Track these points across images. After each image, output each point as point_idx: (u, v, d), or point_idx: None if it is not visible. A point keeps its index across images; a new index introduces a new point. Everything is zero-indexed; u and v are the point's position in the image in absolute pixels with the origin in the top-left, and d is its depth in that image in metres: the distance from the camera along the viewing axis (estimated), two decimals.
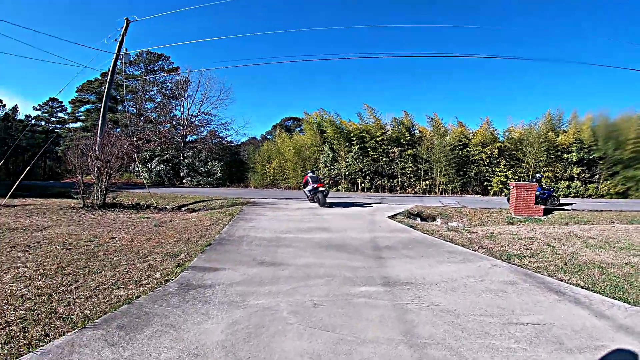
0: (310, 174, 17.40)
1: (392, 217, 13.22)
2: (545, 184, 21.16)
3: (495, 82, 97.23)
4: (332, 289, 5.45)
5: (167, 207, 16.78)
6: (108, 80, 18.59)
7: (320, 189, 16.19)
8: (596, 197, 27.25)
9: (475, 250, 8.30)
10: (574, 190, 27.13)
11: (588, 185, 27.91)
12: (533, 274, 6.51)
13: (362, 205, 16.75)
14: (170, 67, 49.26)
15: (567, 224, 14.31)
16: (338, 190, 28.16)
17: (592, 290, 5.69)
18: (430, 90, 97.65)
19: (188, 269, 6.35)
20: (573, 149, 27.76)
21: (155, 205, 16.80)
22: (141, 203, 17.24)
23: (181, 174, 34.37)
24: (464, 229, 11.77)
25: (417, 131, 30.42)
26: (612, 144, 27.64)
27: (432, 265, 6.88)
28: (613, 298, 5.38)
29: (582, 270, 6.86)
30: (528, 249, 8.71)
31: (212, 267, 6.53)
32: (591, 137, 28.12)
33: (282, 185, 31.14)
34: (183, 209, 16.33)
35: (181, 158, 35.20)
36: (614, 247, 9.08)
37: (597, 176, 28.13)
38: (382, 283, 5.75)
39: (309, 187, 16.80)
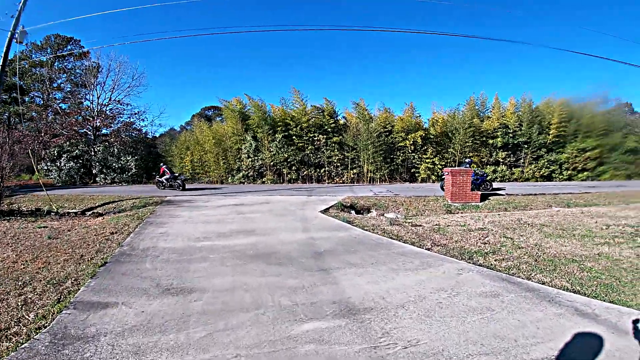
0: (165, 167, 21.33)
1: (325, 211, 11.85)
2: (475, 169, 20.78)
3: (420, 65, 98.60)
4: (265, 332, 3.78)
5: (71, 211, 14.50)
6: (1, 63, 15.79)
7: (181, 176, 20.69)
8: (522, 181, 27.97)
9: (429, 249, 7.10)
10: (500, 175, 27.57)
11: (513, 169, 28.55)
12: (511, 278, 5.43)
13: (290, 198, 15.22)
14: (81, 51, 44.90)
15: (505, 209, 13.78)
16: (263, 182, 26.41)
17: (585, 295, 4.85)
18: (356, 74, 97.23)
19: (70, 305, 4.42)
20: (498, 134, 28.25)
21: (56, 210, 14.50)
22: (43, 208, 14.88)
23: (93, 172, 29.96)
24: (405, 221, 10.69)
25: (343, 117, 29.29)
26: (536, 128, 28.35)
27: (388, 276, 5.48)
28: (613, 302, 4.58)
29: (559, 267, 6.07)
30: (485, 242, 7.76)
31: (101, 301, 4.60)
32: (515, 122, 28.74)
33: (203, 179, 28.41)
34: (88, 213, 13.88)
35: (92, 153, 31.20)
36: (575, 235, 8.49)
37: (522, 160, 28.75)
38: (333, 313, 4.21)
39: (166, 176, 20.47)
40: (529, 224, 9.89)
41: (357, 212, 13.17)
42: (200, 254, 6.84)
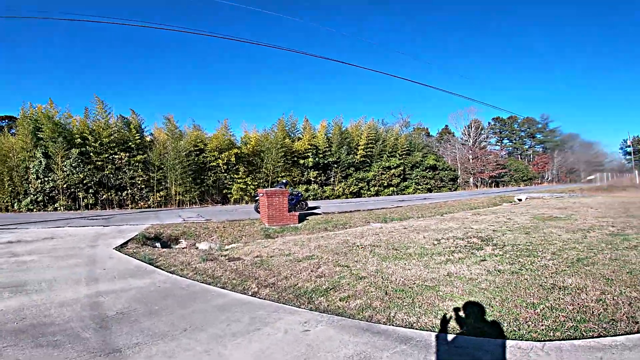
0: None
1: (123, 246, 9.54)
2: (290, 189, 20.17)
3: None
4: None
5: None
6: None
7: None
8: (333, 198, 29.00)
9: (257, 295, 5.68)
10: (312, 193, 28.19)
11: (325, 188, 29.48)
12: (372, 327, 4.34)
13: (81, 230, 12.29)
14: None
15: (326, 229, 13.30)
16: (55, 209, 21.59)
17: (476, 335, 4.04)
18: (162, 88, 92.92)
19: None
20: (309, 154, 29.09)
21: None
22: None
23: None
24: (221, 254, 9.19)
25: (150, 134, 26.79)
26: (345, 149, 29.83)
27: (213, 351, 3.80)
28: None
29: (416, 298, 5.36)
30: (320, 275, 6.66)
31: None
32: (325, 143, 29.80)
33: None
34: None
35: None
36: (411, 255, 8.06)
37: (332, 179, 29.71)
38: None
39: None
40: (358, 246, 9.24)
41: (163, 245, 11.16)
42: None
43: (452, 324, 4.40)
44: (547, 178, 78.69)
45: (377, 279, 6.29)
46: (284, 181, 18.50)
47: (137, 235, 11.09)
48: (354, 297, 5.43)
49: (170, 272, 7.00)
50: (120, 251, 8.93)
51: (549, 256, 7.52)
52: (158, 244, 11.03)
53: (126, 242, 10.06)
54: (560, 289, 5.48)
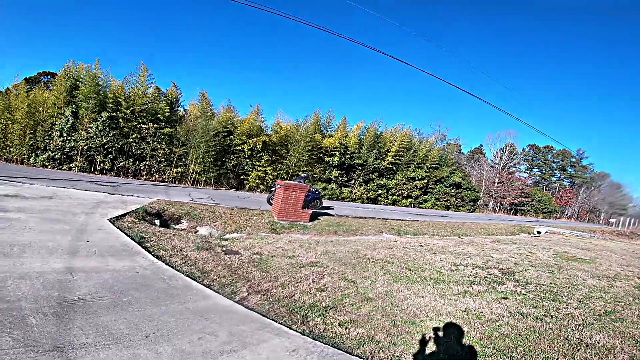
0: None
1: (119, 218, 8.89)
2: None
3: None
4: None
5: None
6: None
7: None
8: (349, 201, 28.21)
9: (244, 303, 4.93)
10: (329, 192, 27.22)
11: (343, 189, 28.52)
12: None
13: (84, 194, 11.71)
14: None
15: (336, 232, 12.60)
16: (70, 168, 20.90)
17: None
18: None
19: None
20: (336, 153, 28.09)
21: None
22: None
23: None
24: (220, 243, 8.49)
25: (183, 108, 26.11)
26: (374, 153, 28.98)
27: None
28: None
29: (427, 334, 4.53)
30: (322, 288, 5.90)
31: None
32: (356, 144, 29.03)
33: (1, 155, 21.32)
34: None
35: None
36: (426, 279, 7.25)
37: (353, 181, 28.89)
38: None
39: None
40: (369, 259, 8.43)
41: (163, 223, 10.47)
42: None
43: None
44: (567, 213, 77.05)
45: (386, 304, 5.51)
46: (304, 175, 17.44)
47: (138, 208, 10.41)
48: (356, 324, 4.66)
49: (156, 257, 6.25)
50: (114, 223, 8.23)
51: (575, 304, 6.65)
52: (157, 222, 10.35)
53: (124, 215, 9.38)
54: (587, 346, 4.71)
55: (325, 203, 21.03)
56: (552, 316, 5.78)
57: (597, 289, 8.03)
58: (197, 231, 10.67)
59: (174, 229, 10.29)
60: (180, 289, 4.97)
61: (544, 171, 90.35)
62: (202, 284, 5.34)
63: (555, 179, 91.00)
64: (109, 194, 12.56)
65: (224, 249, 7.94)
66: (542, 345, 4.58)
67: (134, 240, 7.01)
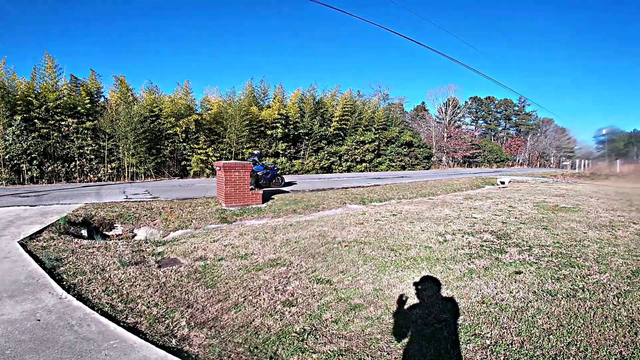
0: None
1: (34, 236, 7.46)
2: (264, 162, 17.60)
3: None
4: None
5: None
6: None
7: None
8: (302, 173, 27.66)
9: (184, 348, 3.78)
10: (280, 167, 26.05)
11: (293, 161, 27.63)
12: None
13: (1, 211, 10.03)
14: None
15: (295, 211, 11.68)
16: None
17: None
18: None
19: None
20: (278, 124, 27.02)
21: None
22: None
23: None
24: (153, 251, 7.26)
25: (104, 97, 23.79)
26: (318, 120, 28.24)
27: None
28: None
29: None
30: (291, 302, 4.82)
31: None
32: (297, 113, 28.08)
33: None
34: None
35: None
36: (415, 260, 6.28)
37: (302, 152, 27.99)
38: None
39: None
40: (340, 242, 7.46)
41: (90, 232, 9.07)
42: None
43: None
44: (518, 161, 78.97)
45: (379, 310, 4.46)
46: (256, 152, 15.93)
47: (58, 219, 8.96)
48: (352, 355, 3.54)
49: (68, 288, 4.99)
50: (25, 246, 6.83)
51: (595, 266, 5.81)
52: (85, 231, 8.98)
53: (41, 231, 7.97)
54: None
55: (287, 178, 20.01)
56: (582, 289, 4.91)
57: (605, 243, 7.38)
58: (135, 235, 9.40)
59: (106, 237, 8.93)
60: (94, 340, 3.64)
61: (489, 122, 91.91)
62: (125, 325, 4.10)
63: (501, 128, 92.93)
64: (29, 206, 10.95)
65: (159, 258, 6.75)
66: (594, 337, 3.67)
67: (44, 268, 5.68)
